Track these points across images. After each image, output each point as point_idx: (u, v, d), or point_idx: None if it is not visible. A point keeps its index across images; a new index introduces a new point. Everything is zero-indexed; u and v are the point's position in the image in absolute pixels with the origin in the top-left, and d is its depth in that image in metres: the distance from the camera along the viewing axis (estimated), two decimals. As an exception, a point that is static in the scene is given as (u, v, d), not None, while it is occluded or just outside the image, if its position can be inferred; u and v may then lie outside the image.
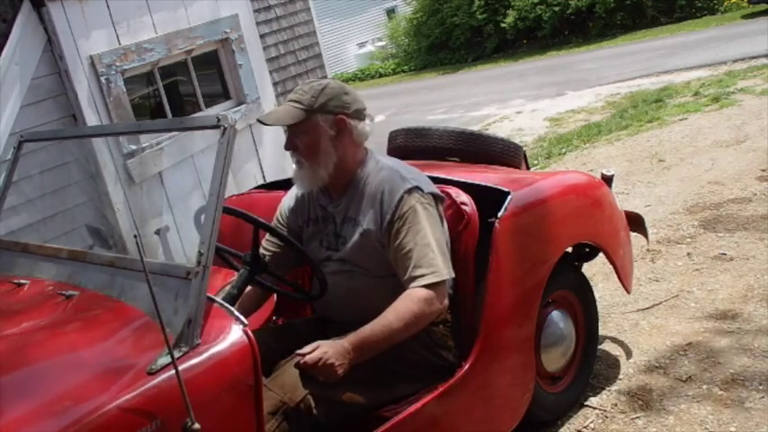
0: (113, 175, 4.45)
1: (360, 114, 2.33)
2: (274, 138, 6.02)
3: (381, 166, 2.36)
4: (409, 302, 2.16)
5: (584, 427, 2.85)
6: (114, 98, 4.48)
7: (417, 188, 2.27)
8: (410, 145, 3.29)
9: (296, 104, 2.27)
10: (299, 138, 2.28)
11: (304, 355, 2.06)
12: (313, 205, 2.46)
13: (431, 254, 2.20)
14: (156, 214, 4.69)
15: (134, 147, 4.60)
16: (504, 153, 3.30)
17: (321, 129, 2.27)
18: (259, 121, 2.33)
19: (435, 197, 2.33)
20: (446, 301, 2.24)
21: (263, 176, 5.56)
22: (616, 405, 2.95)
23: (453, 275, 2.28)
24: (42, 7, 4.16)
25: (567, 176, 3.11)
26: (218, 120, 1.94)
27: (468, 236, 2.42)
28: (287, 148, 2.32)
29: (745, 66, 9.59)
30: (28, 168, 3.79)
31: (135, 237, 1.73)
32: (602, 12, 16.95)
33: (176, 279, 1.86)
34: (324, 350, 2.06)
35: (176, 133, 4.88)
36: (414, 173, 2.36)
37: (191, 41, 5.12)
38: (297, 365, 2.07)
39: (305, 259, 2.35)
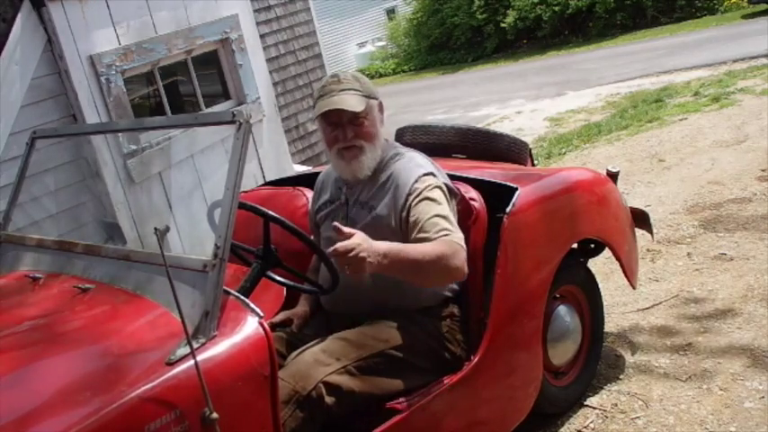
0: (113, 174, 4.45)
1: None
2: (274, 138, 6.03)
3: (400, 156, 2.42)
4: (441, 243, 2.17)
5: (585, 427, 2.85)
6: (114, 98, 4.48)
7: (432, 174, 2.34)
8: (417, 141, 3.31)
9: (356, 92, 2.31)
10: (360, 124, 2.32)
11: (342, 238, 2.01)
12: (332, 187, 2.53)
13: (449, 225, 2.24)
14: (156, 214, 4.69)
15: (134, 147, 4.61)
16: (510, 150, 3.33)
17: (376, 113, 2.38)
18: (323, 113, 2.30)
19: (450, 191, 2.38)
20: (465, 267, 2.22)
21: (263, 176, 5.56)
22: (616, 405, 2.95)
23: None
24: (42, 7, 4.16)
25: (574, 173, 3.13)
26: (234, 115, 1.96)
27: (476, 231, 2.46)
28: (346, 138, 2.31)
29: (745, 66, 9.60)
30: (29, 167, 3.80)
31: (155, 230, 1.75)
32: (602, 12, 16.96)
33: (193, 272, 1.90)
34: (358, 242, 2.01)
35: (176, 134, 4.88)
36: (431, 163, 2.42)
37: (191, 41, 5.12)
38: (331, 253, 2.01)
39: (316, 253, 2.38)
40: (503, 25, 18.17)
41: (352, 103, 2.29)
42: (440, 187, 2.33)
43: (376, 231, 2.33)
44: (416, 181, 2.30)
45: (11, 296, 2.31)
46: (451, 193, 2.40)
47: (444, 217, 2.25)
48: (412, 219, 2.28)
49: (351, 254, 1.98)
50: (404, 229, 2.31)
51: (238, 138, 1.94)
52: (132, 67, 4.69)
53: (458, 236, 2.23)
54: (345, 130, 2.32)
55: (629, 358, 3.26)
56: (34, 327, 2.06)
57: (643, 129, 7.35)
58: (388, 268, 2.08)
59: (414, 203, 2.28)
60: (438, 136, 3.33)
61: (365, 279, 2.34)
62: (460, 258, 2.19)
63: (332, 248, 2.00)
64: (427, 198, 2.28)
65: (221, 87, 5.69)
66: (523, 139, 3.63)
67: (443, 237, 2.19)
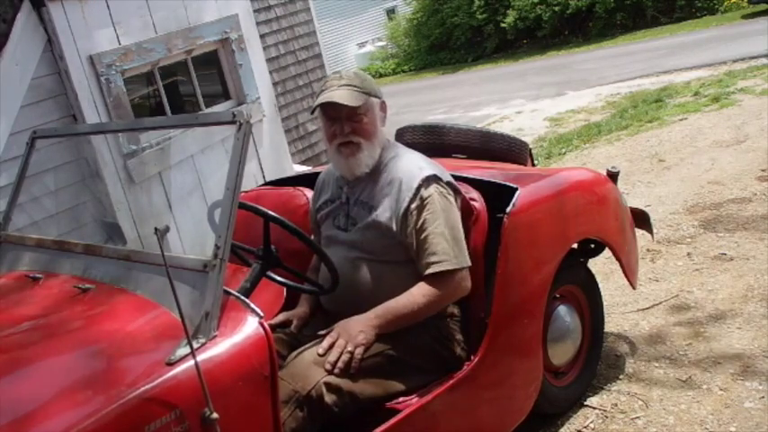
0: (113, 174, 4.45)
1: None
2: (274, 138, 6.03)
3: (400, 156, 2.43)
4: (429, 284, 2.28)
5: (585, 427, 2.85)
6: (114, 98, 4.49)
7: (435, 177, 2.34)
8: (417, 141, 3.31)
9: (355, 88, 2.33)
10: (359, 120, 2.34)
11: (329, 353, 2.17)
12: (332, 186, 2.54)
13: (444, 243, 2.27)
14: (156, 214, 4.69)
15: (134, 147, 4.61)
16: (510, 150, 3.33)
17: (376, 111, 2.40)
18: (321, 104, 2.33)
19: (453, 188, 2.40)
20: (465, 285, 2.33)
21: (263, 176, 5.57)
22: (616, 405, 2.95)
23: (469, 264, 2.33)
24: (42, 7, 4.17)
25: (574, 173, 3.13)
26: (234, 115, 1.97)
27: (477, 231, 2.47)
28: (343, 132, 2.34)
29: (745, 66, 9.60)
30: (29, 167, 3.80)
31: (155, 230, 1.75)
32: (602, 12, 16.96)
33: (193, 272, 1.90)
34: (335, 336, 2.19)
35: (176, 134, 4.88)
36: (432, 164, 2.43)
37: (191, 41, 5.12)
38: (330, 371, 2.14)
39: (316, 253, 2.38)
40: (503, 25, 18.17)
41: (349, 97, 2.30)
42: (441, 192, 2.33)
43: (376, 232, 2.35)
44: (418, 188, 2.31)
45: (11, 296, 2.31)
46: (455, 191, 2.40)
47: (440, 233, 2.28)
48: (411, 233, 2.30)
49: (336, 351, 2.15)
50: (402, 234, 2.32)
51: (238, 138, 1.95)
52: (132, 67, 4.69)
53: (447, 257, 2.27)
54: (343, 125, 2.34)
55: (629, 358, 3.26)
56: (34, 327, 2.06)
57: (643, 129, 7.36)
58: (385, 326, 2.23)
59: (414, 214, 2.30)
60: (438, 136, 3.33)
61: (365, 280, 2.35)
62: (456, 284, 2.30)
63: (327, 367, 2.13)
64: (428, 210, 2.29)
65: (221, 87, 5.69)
66: (523, 139, 3.63)
67: (435, 268, 2.26)
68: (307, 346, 2.23)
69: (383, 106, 2.43)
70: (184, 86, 5.42)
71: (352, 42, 22.27)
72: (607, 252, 3.13)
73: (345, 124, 2.34)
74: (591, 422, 2.87)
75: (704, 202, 4.95)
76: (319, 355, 2.15)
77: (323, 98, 2.33)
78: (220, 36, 5.42)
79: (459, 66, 18.69)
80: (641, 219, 3.39)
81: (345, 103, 2.29)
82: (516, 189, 2.59)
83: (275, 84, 6.76)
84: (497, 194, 2.57)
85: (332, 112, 2.34)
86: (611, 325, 3.53)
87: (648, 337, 3.40)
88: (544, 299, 2.68)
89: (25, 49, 4.11)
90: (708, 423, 2.73)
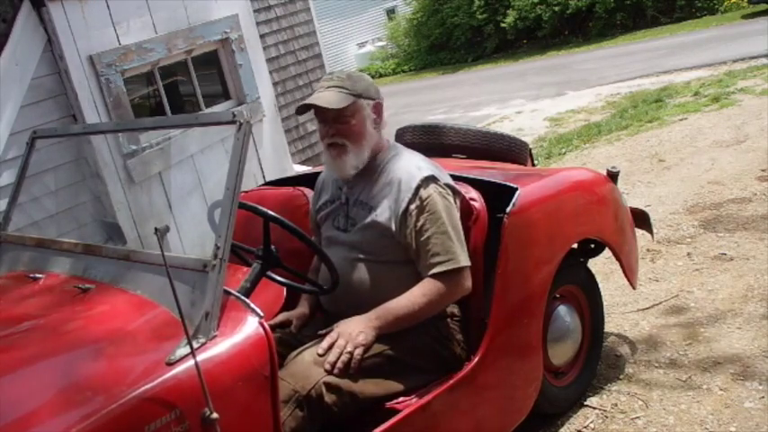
0: (113, 174, 4.46)
1: None
2: (274, 138, 6.03)
3: (399, 156, 2.43)
4: (430, 284, 2.28)
5: (585, 427, 2.85)
6: (114, 98, 4.49)
7: (434, 177, 2.35)
8: (417, 141, 3.31)
9: (342, 90, 2.32)
10: (345, 122, 2.33)
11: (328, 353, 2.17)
12: (332, 186, 2.54)
13: (448, 242, 2.28)
14: (156, 214, 4.70)
15: (134, 147, 4.61)
16: (510, 150, 3.34)
17: (366, 112, 2.36)
18: (305, 106, 2.34)
19: (452, 189, 2.40)
20: (467, 285, 2.34)
21: (263, 176, 5.57)
22: (616, 405, 2.95)
23: (470, 264, 2.34)
24: (42, 7, 4.17)
25: (574, 173, 3.13)
26: (234, 115, 1.97)
27: (477, 231, 2.47)
28: (329, 134, 2.34)
29: (745, 66, 9.60)
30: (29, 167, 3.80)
31: (155, 230, 1.75)
32: (602, 12, 16.97)
33: (193, 272, 1.90)
34: (334, 336, 2.19)
35: (176, 134, 4.88)
36: (431, 164, 2.43)
37: (191, 41, 5.12)
38: (329, 371, 2.14)
39: (316, 253, 2.38)
40: (503, 25, 18.17)
41: (332, 100, 2.29)
42: (441, 192, 2.33)
43: (375, 232, 2.35)
44: (417, 188, 2.31)
45: (11, 296, 2.31)
46: (454, 192, 2.40)
47: (443, 233, 2.28)
48: (410, 233, 2.30)
49: (336, 351, 2.15)
50: (401, 235, 2.32)
51: (238, 138, 1.95)
52: (132, 67, 4.70)
53: (452, 256, 2.27)
54: (329, 126, 2.34)
55: (629, 358, 3.26)
56: (34, 327, 2.07)
57: (643, 129, 7.35)
58: (385, 327, 2.23)
59: (414, 214, 2.30)
60: (438, 136, 3.33)
61: (365, 280, 2.35)
62: (458, 283, 2.30)
63: (326, 367, 2.13)
64: (427, 211, 2.29)
65: (221, 87, 5.69)
66: (523, 139, 3.63)
67: (439, 268, 2.26)
68: (306, 346, 2.23)
69: (377, 108, 2.41)
70: (184, 86, 5.42)
71: (352, 42, 22.27)
72: (607, 252, 3.13)
73: (331, 126, 2.34)
74: (591, 422, 2.87)
75: (704, 202, 4.95)
76: (319, 356, 2.15)
77: (308, 100, 2.34)
78: (220, 36, 5.42)
79: (460, 66, 18.70)
80: (641, 219, 3.39)
81: (326, 105, 2.29)
82: (516, 189, 2.59)
83: (275, 84, 6.76)
84: (497, 194, 2.57)
85: (320, 113, 2.35)
86: (611, 325, 3.53)
87: (648, 337, 3.40)
88: (544, 299, 2.68)
89: (25, 49, 4.11)
90: (708, 423, 2.73)
